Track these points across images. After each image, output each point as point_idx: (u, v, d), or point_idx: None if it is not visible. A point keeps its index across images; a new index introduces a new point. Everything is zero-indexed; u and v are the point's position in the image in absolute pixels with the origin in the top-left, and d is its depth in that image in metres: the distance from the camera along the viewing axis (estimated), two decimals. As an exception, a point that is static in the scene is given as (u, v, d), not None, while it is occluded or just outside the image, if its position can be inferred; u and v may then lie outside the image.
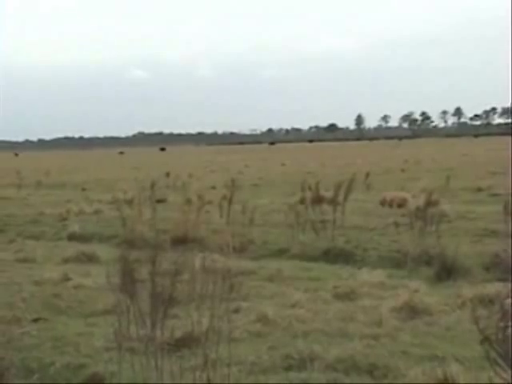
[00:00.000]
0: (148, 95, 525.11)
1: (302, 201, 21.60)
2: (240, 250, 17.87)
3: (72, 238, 22.32)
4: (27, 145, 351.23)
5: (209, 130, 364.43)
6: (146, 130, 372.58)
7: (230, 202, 21.33)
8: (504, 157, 67.10)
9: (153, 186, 25.67)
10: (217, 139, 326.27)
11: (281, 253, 18.07)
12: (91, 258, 17.74)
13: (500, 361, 7.56)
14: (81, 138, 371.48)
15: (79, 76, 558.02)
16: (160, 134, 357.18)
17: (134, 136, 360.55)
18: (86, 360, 9.46)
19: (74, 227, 23.44)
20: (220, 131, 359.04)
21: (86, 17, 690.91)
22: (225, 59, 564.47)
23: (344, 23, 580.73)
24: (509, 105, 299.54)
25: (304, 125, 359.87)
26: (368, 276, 14.10)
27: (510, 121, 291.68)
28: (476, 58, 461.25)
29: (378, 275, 14.18)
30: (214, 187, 34.53)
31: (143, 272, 7.70)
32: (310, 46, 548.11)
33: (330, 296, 12.94)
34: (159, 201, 27.09)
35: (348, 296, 12.82)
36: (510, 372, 7.61)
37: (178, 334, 9.33)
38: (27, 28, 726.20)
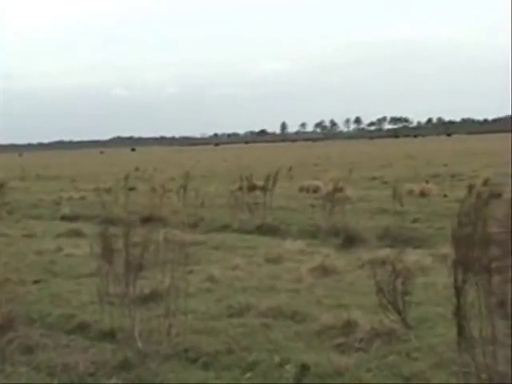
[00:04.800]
0: (124, 108, 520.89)
1: (240, 188, 21.56)
2: (193, 226, 17.86)
3: (64, 218, 22.13)
4: (29, 147, 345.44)
5: (169, 134, 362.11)
6: (121, 135, 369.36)
7: (185, 189, 21.35)
8: (390, 153, 67.68)
9: (126, 177, 25.54)
10: (175, 142, 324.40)
11: (224, 228, 18.08)
12: (78, 234, 17.61)
13: (389, 307, 7.66)
14: (70, 141, 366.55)
15: (74, 93, 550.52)
16: (131, 138, 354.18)
17: (112, 139, 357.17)
18: (75, 311, 9.40)
19: (66, 210, 23.26)
20: (178, 135, 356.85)
21: (82, 48, 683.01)
22: (185, 80, 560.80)
23: (275, 50, 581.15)
24: (395, 114, 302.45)
25: (241, 130, 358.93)
26: (291, 245, 14.14)
27: (396, 127, 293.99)
28: (373, 79, 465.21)
29: (299, 244, 14.23)
30: (173, 178, 34.24)
31: (119, 244, 7.66)
32: (249, 69, 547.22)
33: (262, 260, 12.97)
34: (131, 189, 26.95)
35: (276, 260, 12.86)
36: (396, 315, 7.72)
37: (147, 290, 9.30)
38: (39, 54, 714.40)
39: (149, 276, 8.93)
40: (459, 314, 5.86)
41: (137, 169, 51.00)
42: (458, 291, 5.82)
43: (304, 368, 6.79)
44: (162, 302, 8.38)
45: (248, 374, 6.88)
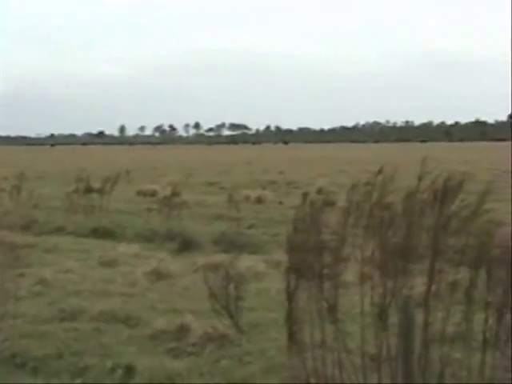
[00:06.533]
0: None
1: (77, 190, 21.23)
2: (26, 228, 17.39)
3: None
4: None
5: (3, 133, 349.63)
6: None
7: (19, 190, 20.77)
8: (229, 160, 68.34)
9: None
10: (9, 141, 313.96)
11: (58, 230, 17.72)
12: None
13: (222, 311, 7.71)
14: None
15: None
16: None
17: None
18: None
19: None
20: (12, 134, 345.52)
21: None
22: (20, 79, 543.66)
23: (112, 53, 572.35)
24: (233, 121, 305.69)
25: (79, 131, 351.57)
26: (126, 248, 14.03)
27: (235, 133, 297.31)
28: (213, 85, 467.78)
29: (134, 248, 14.14)
30: (6, 178, 33.21)
31: None
32: (86, 71, 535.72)
33: (97, 264, 12.83)
34: (-40, 188, 25.90)
35: (110, 264, 12.74)
36: (229, 319, 7.78)
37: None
38: None
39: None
40: (290, 319, 5.96)
41: (-33, 167, 49.17)
42: (290, 297, 5.92)
43: (129, 370, 6.74)
44: (-10, 305, 8.10)
45: (78, 380, 6.75)
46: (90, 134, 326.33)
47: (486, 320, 5.19)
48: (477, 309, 5.25)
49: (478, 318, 5.26)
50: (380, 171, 6.10)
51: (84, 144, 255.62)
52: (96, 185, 21.61)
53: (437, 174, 5.57)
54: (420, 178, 5.50)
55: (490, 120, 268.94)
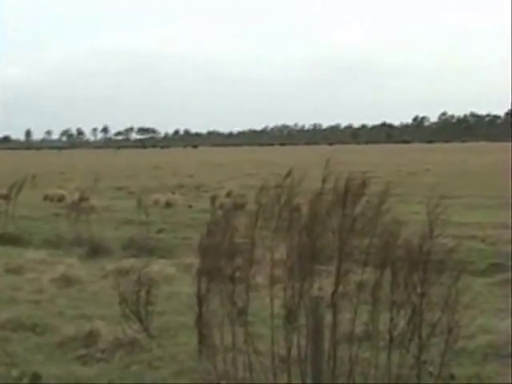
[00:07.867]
0: None
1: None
2: None
3: None
4: None
5: None
6: None
7: None
8: (137, 164, 67.81)
9: None
10: None
11: (-37, 238, 17.26)
12: None
13: (132, 316, 7.66)
14: None
15: None
16: None
17: None
18: None
19: None
20: None
21: None
22: None
23: (15, 56, 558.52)
24: (142, 125, 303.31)
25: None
26: (33, 255, 13.79)
27: (143, 137, 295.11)
28: (120, 88, 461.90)
29: (41, 254, 13.91)
30: None
31: None
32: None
33: (2, 271, 12.57)
34: None
35: (17, 271, 12.50)
36: (139, 324, 7.73)
37: None
38: None
39: None
40: (201, 322, 5.96)
41: None
42: (201, 300, 5.92)
43: (35, 378, 6.63)
44: None
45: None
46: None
47: (392, 319, 5.29)
48: (383, 308, 5.34)
49: (384, 317, 5.35)
50: (289, 174, 6.15)
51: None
52: (1, 191, 21.18)
53: (338, 176, 5.65)
54: (324, 180, 5.57)
55: (396, 123, 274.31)
